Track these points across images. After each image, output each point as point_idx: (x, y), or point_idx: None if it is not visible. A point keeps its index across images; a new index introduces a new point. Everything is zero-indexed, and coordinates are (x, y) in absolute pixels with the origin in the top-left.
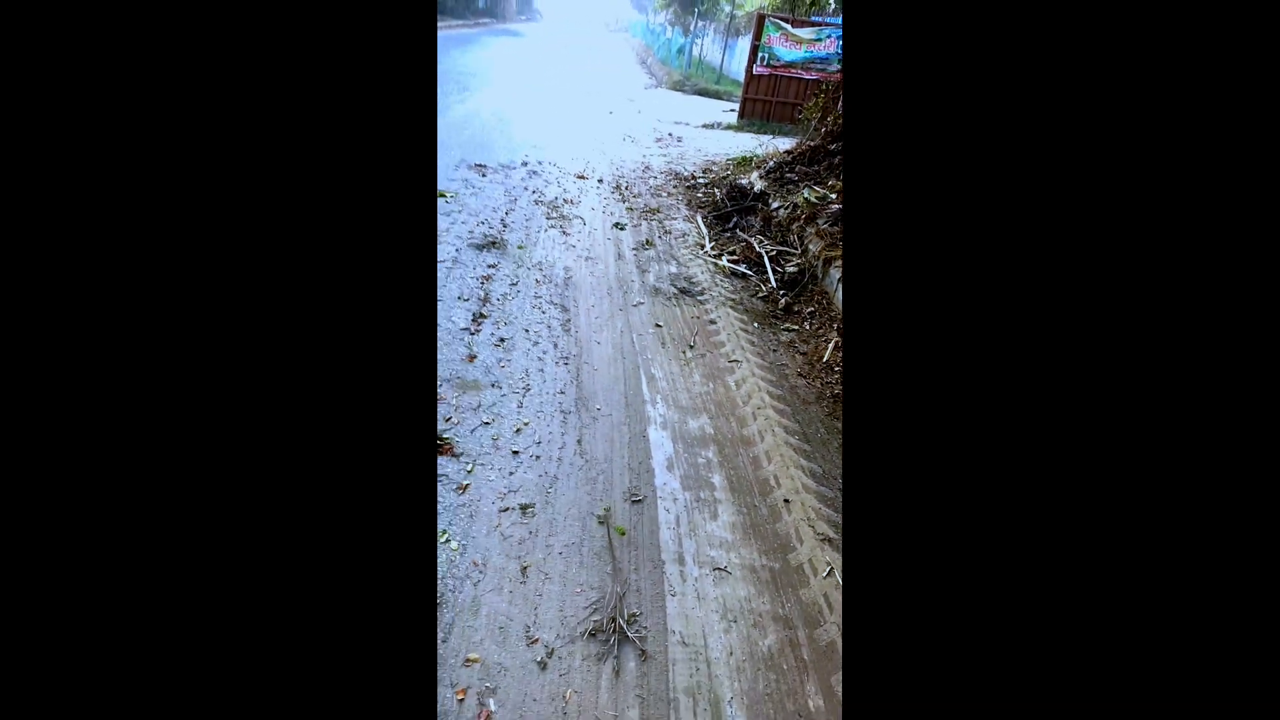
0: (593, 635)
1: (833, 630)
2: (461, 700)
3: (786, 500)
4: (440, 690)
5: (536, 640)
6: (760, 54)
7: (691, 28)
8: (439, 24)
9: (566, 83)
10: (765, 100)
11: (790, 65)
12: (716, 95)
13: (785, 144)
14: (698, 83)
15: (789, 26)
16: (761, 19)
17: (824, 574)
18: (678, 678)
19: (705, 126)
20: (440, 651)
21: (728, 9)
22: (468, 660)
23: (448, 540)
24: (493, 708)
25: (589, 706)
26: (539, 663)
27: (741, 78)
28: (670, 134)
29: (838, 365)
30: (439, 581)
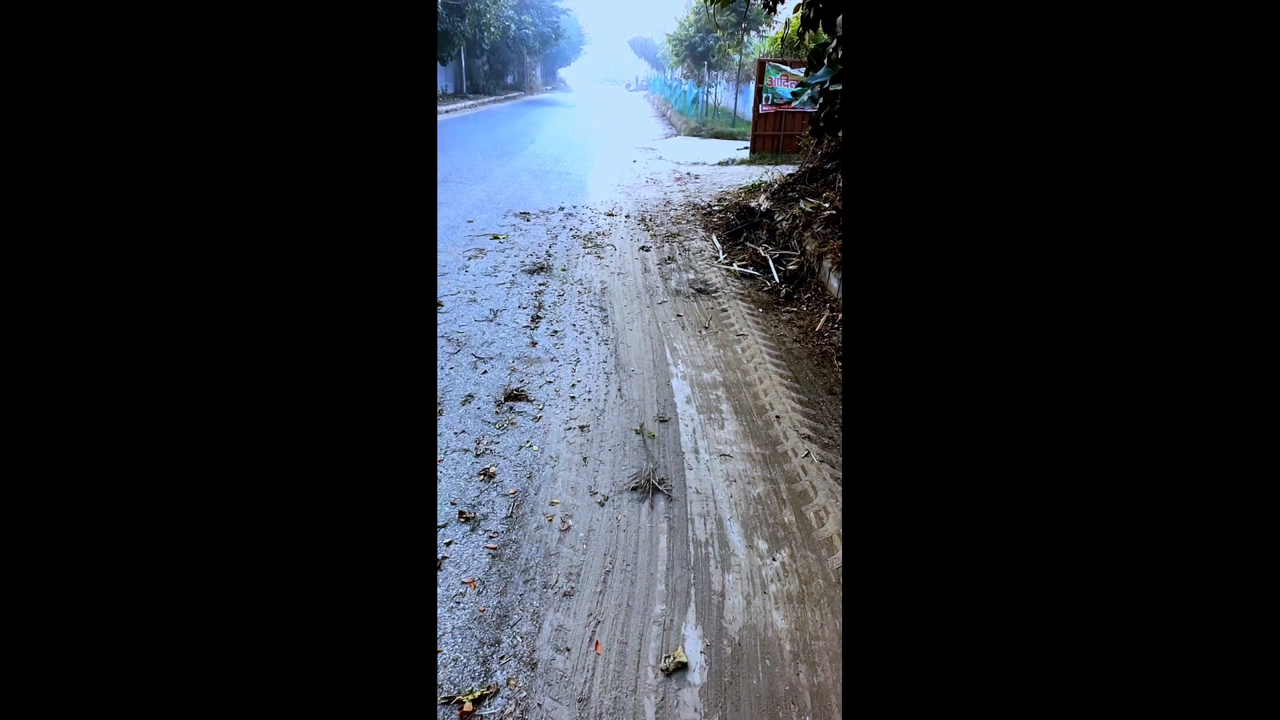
0: (634, 490)
1: (805, 484)
2: (550, 521)
3: (778, 416)
4: (535, 518)
5: (597, 493)
6: (765, 95)
7: (704, 79)
8: (473, 101)
9: (593, 140)
10: (773, 135)
11: (791, 101)
12: (731, 136)
13: (790, 170)
14: (713, 127)
15: (788, 68)
16: (762, 64)
17: (803, 455)
18: (693, 509)
19: (720, 164)
20: (533, 501)
21: (737, 59)
22: (552, 503)
23: (530, 445)
24: (571, 524)
25: (634, 524)
26: (599, 503)
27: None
28: (688, 173)
29: (826, 333)
30: (527, 474)
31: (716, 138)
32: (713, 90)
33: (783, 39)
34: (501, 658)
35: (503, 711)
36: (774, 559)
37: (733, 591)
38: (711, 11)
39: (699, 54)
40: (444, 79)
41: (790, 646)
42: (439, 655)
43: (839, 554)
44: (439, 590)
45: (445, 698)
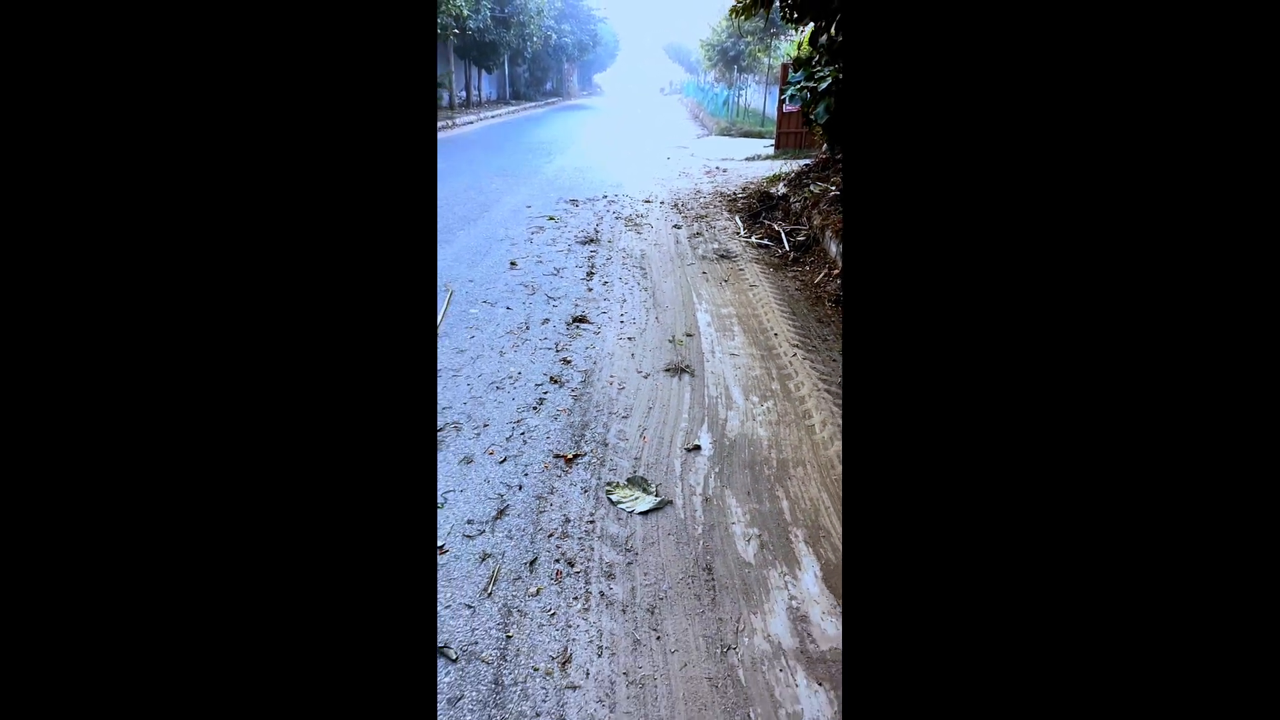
0: (668, 370)
1: (790, 370)
2: (610, 384)
3: (776, 334)
4: (600, 382)
5: (641, 371)
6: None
7: (735, 82)
8: (515, 107)
9: (630, 140)
10: (796, 133)
11: None
12: (759, 135)
13: (808, 162)
14: (742, 127)
15: None
16: (785, 67)
17: (791, 355)
18: (709, 381)
19: (747, 160)
20: (598, 374)
21: (766, 62)
22: (610, 376)
23: (593, 347)
24: (624, 386)
25: (667, 386)
26: (644, 376)
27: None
28: (718, 167)
29: (823, 284)
30: (592, 361)
31: (745, 136)
32: (743, 93)
33: (799, 45)
34: (586, 441)
35: (589, 460)
36: (763, 405)
37: (732, 418)
38: (738, 22)
39: (730, 58)
40: (489, 86)
41: (766, 442)
42: (548, 441)
43: (808, 403)
44: (548, 407)
45: (555, 455)
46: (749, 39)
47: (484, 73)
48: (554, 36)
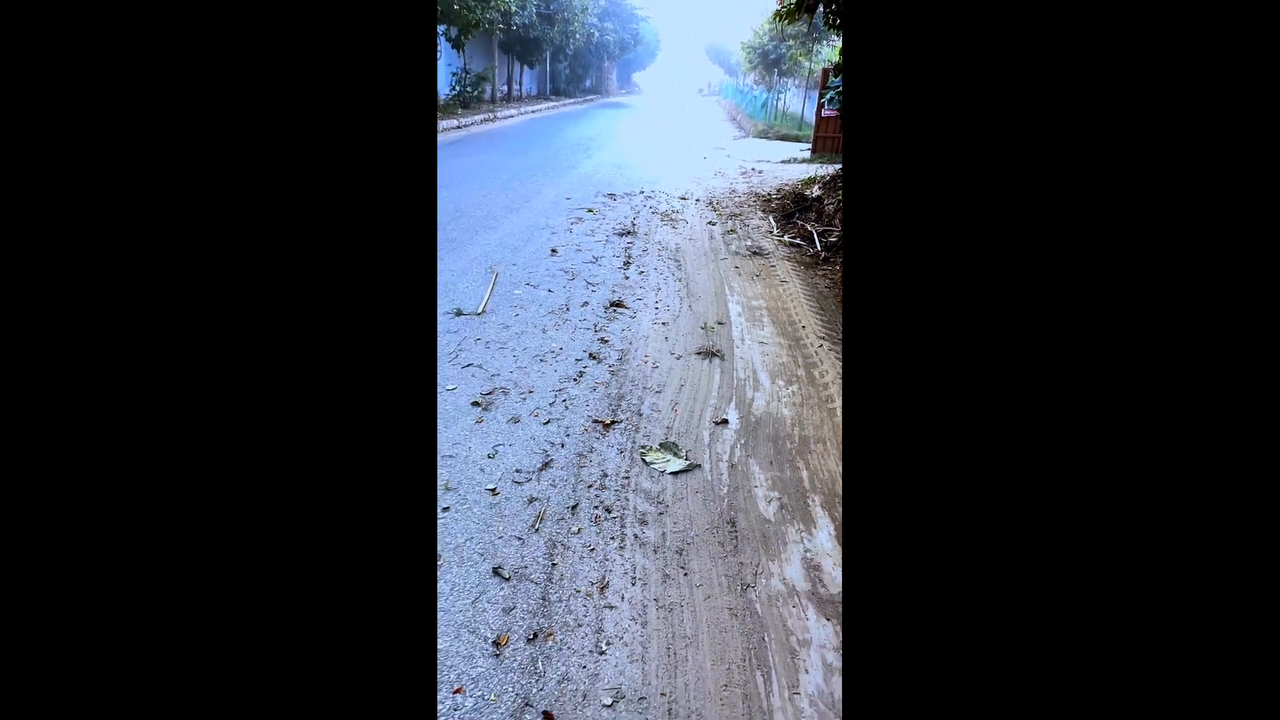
0: (700, 354)
1: (816, 359)
2: (645, 363)
3: (803, 326)
4: (635, 361)
5: (674, 353)
6: (829, 99)
7: (775, 85)
8: (555, 103)
9: (668, 139)
10: (833, 137)
11: None
12: (796, 139)
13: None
14: (780, 130)
15: None
16: (826, 72)
17: (817, 345)
18: (738, 365)
19: (783, 162)
20: (633, 354)
21: (807, 66)
22: (645, 356)
23: (629, 330)
24: (658, 365)
25: (698, 368)
26: (676, 358)
27: None
28: (753, 169)
29: None
30: (628, 342)
31: (782, 140)
32: (782, 96)
33: (840, 51)
34: (621, 410)
35: (625, 427)
36: (788, 389)
37: (758, 398)
38: (781, 25)
39: (771, 61)
40: (530, 81)
41: (789, 420)
42: (587, 408)
43: (831, 389)
44: (587, 380)
45: (594, 420)
46: (791, 43)
47: (526, 68)
48: (596, 34)
